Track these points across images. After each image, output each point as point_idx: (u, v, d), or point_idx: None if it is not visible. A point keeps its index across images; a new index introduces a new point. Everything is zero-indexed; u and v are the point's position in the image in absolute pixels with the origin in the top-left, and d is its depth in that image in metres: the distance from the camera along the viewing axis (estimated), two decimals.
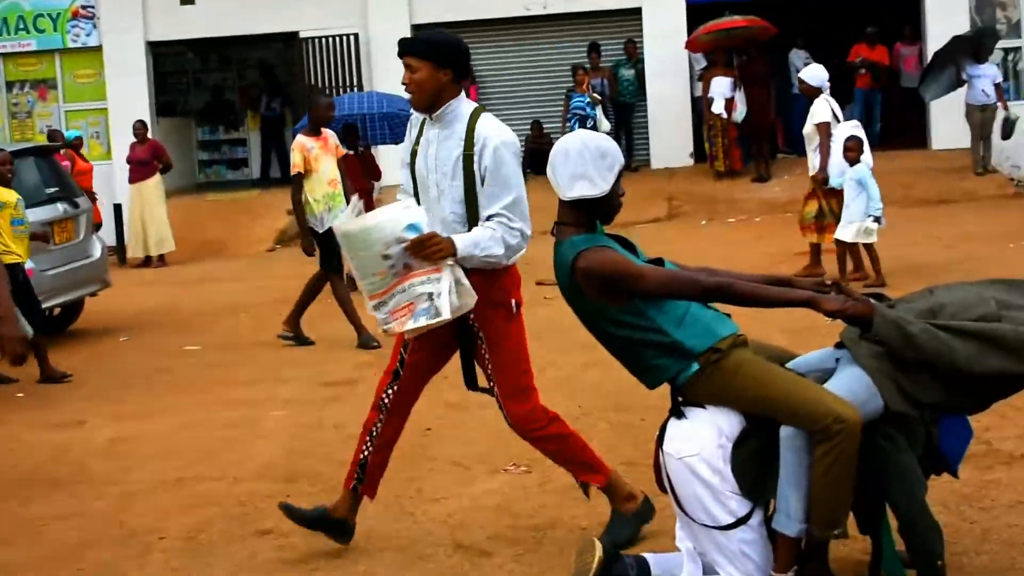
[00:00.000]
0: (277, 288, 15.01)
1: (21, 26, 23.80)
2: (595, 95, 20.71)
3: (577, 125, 20.63)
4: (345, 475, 5.98)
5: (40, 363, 10.80)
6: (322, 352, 11.32)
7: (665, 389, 5.08)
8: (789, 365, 5.03)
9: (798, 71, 22.47)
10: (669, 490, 4.96)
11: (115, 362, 11.62)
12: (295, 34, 23.24)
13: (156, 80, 24.38)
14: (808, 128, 13.22)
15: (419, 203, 5.66)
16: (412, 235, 5.33)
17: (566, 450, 5.88)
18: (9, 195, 10.87)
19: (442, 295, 5.36)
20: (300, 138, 11.81)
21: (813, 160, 13.12)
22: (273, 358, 11.16)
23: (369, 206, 13.15)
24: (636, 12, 22.72)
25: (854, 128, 13.01)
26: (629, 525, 5.87)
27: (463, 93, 5.70)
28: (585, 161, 5.01)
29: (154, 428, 8.89)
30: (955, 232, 16.11)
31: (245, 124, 26.01)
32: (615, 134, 21.67)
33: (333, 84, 22.93)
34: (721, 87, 20.77)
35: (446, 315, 5.35)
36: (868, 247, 12.80)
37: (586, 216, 5.07)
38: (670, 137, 22.56)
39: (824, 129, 12.94)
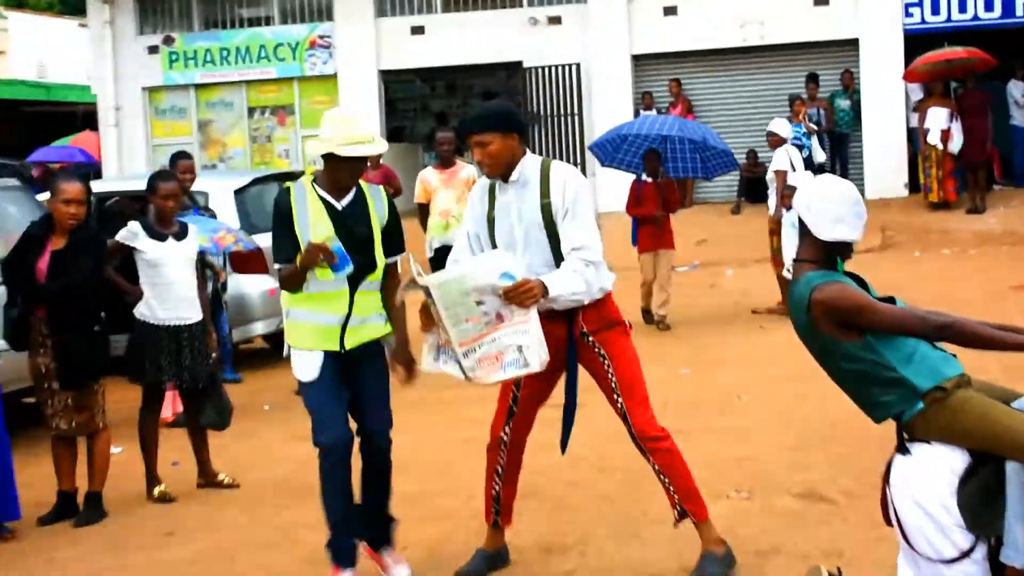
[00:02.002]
0: None
1: (262, 55, 24.75)
2: (811, 125, 20.61)
3: None
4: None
5: None
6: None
7: (888, 423, 5.15)
8: (1014, 405, 5.05)
9: (1016, 102, 22.14)
10: (895, 523, 5.03)
11: None
12: (519, 63, 23.67)
13: (386, 106, 25.08)
14: (770, 174, 14.52)
15: None
16: (506, 282, 5.53)
17: (678, 468, 6.00)
18: None
19: (531, 347, 5.53)
20: (425, 171, 12.67)
21: (773, 201, 14.32)
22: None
23: (658, 237, 13.65)
24: (853, 43, 22.52)
25: (802, 179, 14.21)
26: (719, 566, 5.97)
27: (527, 151, 5.98)
28: (845, 205, 5.11)
29: (403, 440, 9.20)
30: None
31: (469, 150, 26.46)
32: (830, 164, 21.52)
33: (553, 112, 23.30)
34: (937, 117, 20.40)
35: (535, 367, 5.55)
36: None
37: (826, 255, 5.16)
38: (885, 167, 22.28)
39: (780, 176, 14.14)
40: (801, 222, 5.14)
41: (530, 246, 5.90)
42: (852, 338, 4.99)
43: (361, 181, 6.20)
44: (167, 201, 8.37)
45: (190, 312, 8.42)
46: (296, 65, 24.66)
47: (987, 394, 5.04)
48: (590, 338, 5.98)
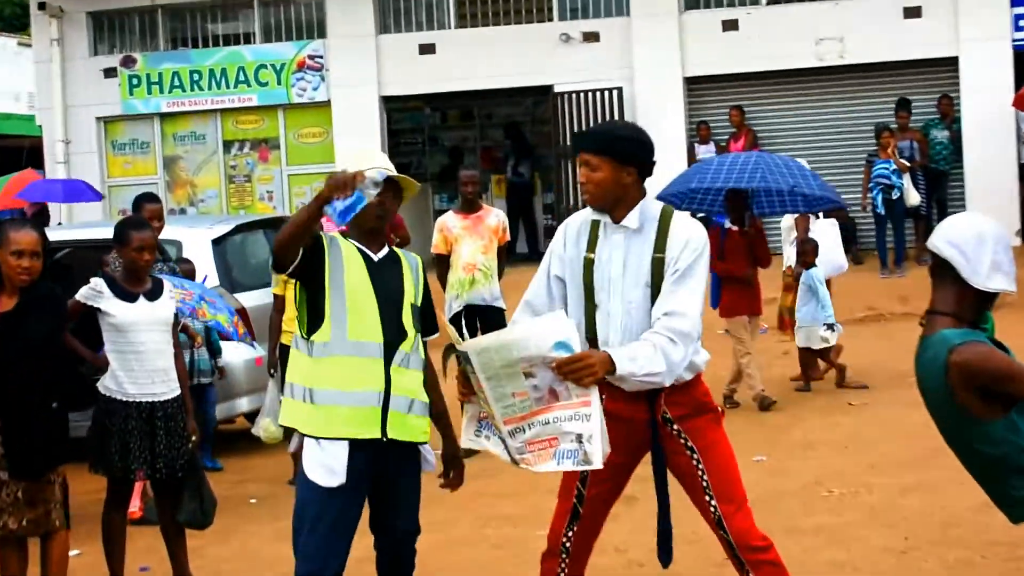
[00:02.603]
0: None
1: (241, 78, 24.89)
2: (902, 161, 20.58)
3: (881, 196, 20.56)
4: None
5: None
6: None
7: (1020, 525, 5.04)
8: None
9: None
10: None
11: None
12: (548, 88, 23.72)
13: (389, 139, 25.15)
14: (787, 221, 14.95)
15: (591, 319, 5.82)
16: (561, 354, 5.38)
17: None
18: None
19: (594, 438, 5.39)
20: (445, 216, 12.61)
21: (788, 252, 14.68)
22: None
23: (748, 298, 13.40)
24: (952, 62, 22.58)
25: (830, 227, 15.30)
26: None
27: (649, 193, 5.91)
28: (1002, 250, 5.00)
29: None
30: None
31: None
32: (925, 207, 21.46)
33: None
34: None
35: (596, 463, 5.40)
36: (821, 352, 14.37)
37: (971, 308, 5.03)
38: (991, 211, 22.05)
39: (803, 224, 14.62)
40: (939, 267, 5.03)
41: (629, 306, 5.81)
42: (994, 414, 4.88)
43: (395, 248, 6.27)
44: (142, 254, 8.32)
45: (165, 386, 8.35)
46: (281, 91, 24.77)
47: None
48: (675, 426, 5.89)
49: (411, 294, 6.18)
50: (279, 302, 11.32)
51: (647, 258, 5.79)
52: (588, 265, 5.87)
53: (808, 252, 14.33)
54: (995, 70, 22.24)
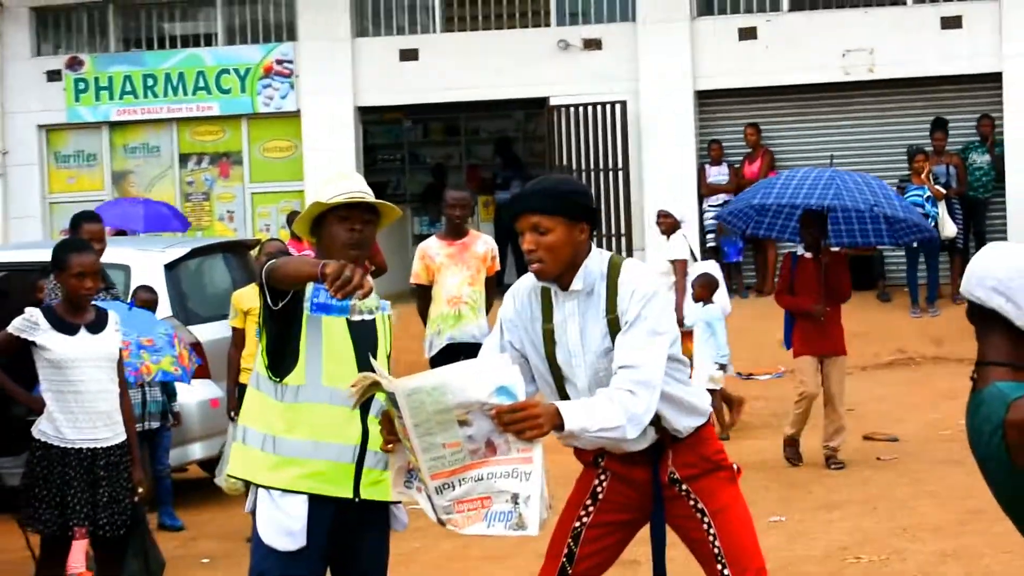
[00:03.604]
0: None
1: (201, 84, 24.84)
2: (938, 188, 20.55)
3: None
4: None
5: None
6: None
7: None
8: None
9: None
10: None
11: None
12: (544, 100, 23.69)
13: (365, 155, 25.11)
14: (664, 265, 15.12)
15: (563, 394, 5.72)
16: (503, 400, 5.17)
17: None
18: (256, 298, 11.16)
19: (531, 500, 5.18)
20: (427, 243, 12.53)
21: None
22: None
23: (823, 336, 12.99)
24: (995, 79, 22.58)
25: (710, 267, 15.70)
26: None
27: (593, 246, 5.78)
28: None
29: None
30: None
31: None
32: (962, 239, 21.41)
33: (589, 165, 23.25)
34: None
35: (532, 530, 5.17)
36: (713, 393, 14.19)
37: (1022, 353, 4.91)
38: None
39: (681, 267, 14.96)
40: (980, 313, 4.92)
41: (599, 376, 5.65)
42: None
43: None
44: (83, 281, 8.19)
45: (109, 431, 8.24)
46: (246, 99, 24.72)
47: None
48: (683, 486, 5.81)
49: (384, 342, 6.07)
50: (238, 336, 11.23)
51: (602, 322, 5.67)
52: (548, 336, 5.75)
53: (704, 286, 14.85)
54: None
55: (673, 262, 15.01)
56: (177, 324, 11.99)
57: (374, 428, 5.82)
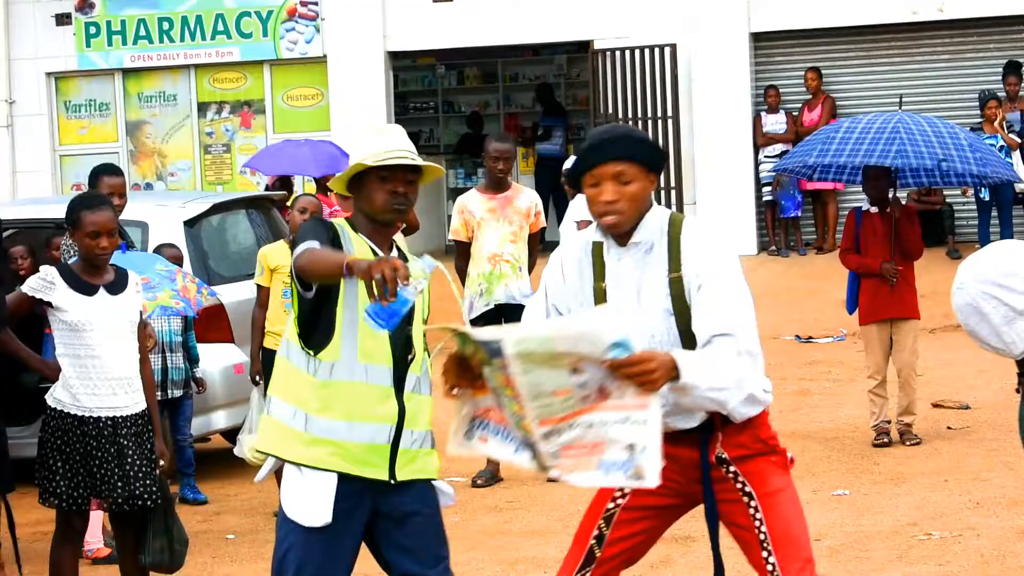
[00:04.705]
0: None
1: (220, 29, 24.79)
2: (1012, 137, 20.45)
3: None
4: None
5: None
6: None
7: None
8: None
9: None
10: None
11: None
12: (587, 44, 23.64)
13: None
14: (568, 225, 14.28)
15: None
16: (620, 354, 5.26)
17: None
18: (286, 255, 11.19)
19: (648, 450, 5.25)
20: (466, 196, 12.52)
21: None
22: (569, 499, 11.26)
23: (893, 299, 12.82)
24: None
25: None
26: None
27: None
28: (1002, 304, 4.87)
29: None
30: None
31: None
32: None
33: (638, 113, 23.20)
34: None
35: (651, 481, 5.25)
36: None
37: None
38: None
39: (586, 227, 14.12)
40: None
41: (651, 341, 5.64)
42: None
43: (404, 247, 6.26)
44: (98, 240, 8.21)
45: (128, 399, 8.26)
46: (268, 44, 24.68)
47: None
48: (731, 467, 5.80)
49: (421, 307, 6.09)
50: (263, 295, 11.26)
51: (663, 280, 5.69)
52: (600, 295, 5.76)
53: None
54: None
55: (579, 224, 14.46)
56: (200, 281, 12.03)
57: (410, 406, 5.93)
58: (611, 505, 5.86)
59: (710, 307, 5.57)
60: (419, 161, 5.98)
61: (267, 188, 20.41)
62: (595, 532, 5.90)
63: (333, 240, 5.88)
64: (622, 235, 5.72)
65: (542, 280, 5.92)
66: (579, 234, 5.88)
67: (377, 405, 5.90)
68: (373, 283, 5.37)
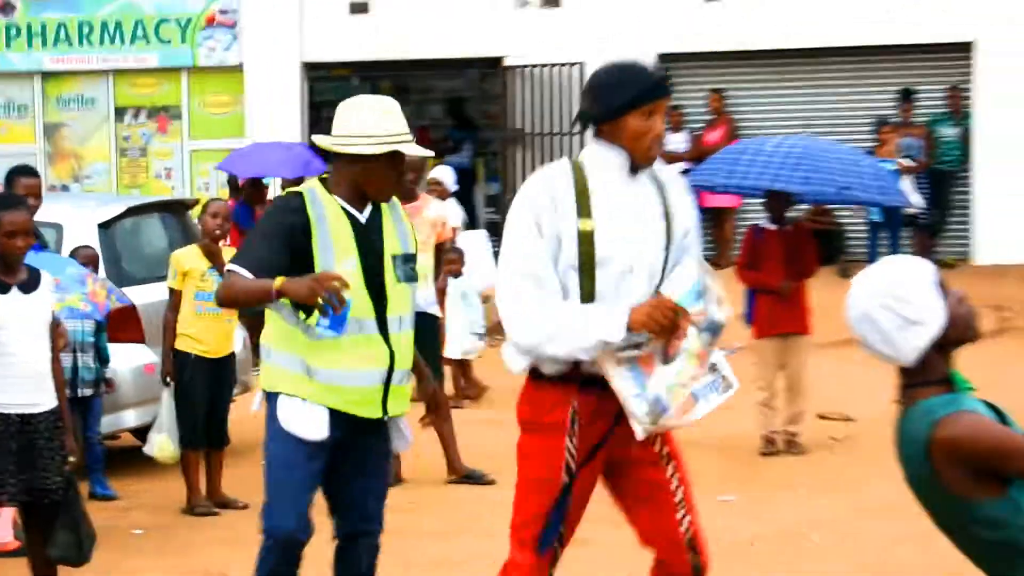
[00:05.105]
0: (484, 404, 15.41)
1: (139, 34, 24.71)
2: (904, 161, 20.69)
3: None
4: None
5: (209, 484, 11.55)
6: None
7: None
8: None
9: None
10: None
11: (257, 495, 11.84)
12: (498, 60, 23.69)
13: (310, 112, 25.06)
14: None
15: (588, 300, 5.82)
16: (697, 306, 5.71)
17: None
18: (197, 259, 11.29)
19: (722, 361, 5.75)
20: None
21: None
22: (473, 499, 11.32)
23: (787, 314, 12.97)
24: (965, 48, 22.72)
25: (478, 237, 16.66)
26: None
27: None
28: (894, 314, 4.95)
29: None
30: None
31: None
32: (929, 213, 21.56)
33: (545, 128, 23.27)
34: None
35: (736, 385, 5.77)
36: (465, 364, 15.82)
37: (937, 365, 4.99)
38: (1004, 222, 22.28)
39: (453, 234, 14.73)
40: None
41: (649, 273, 5.88)
42: (990, 493, 4.79)
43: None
44: (14, 240, 8.19)
45: (40, 396, 8.23)
46: (186, 51, 24.63)
47: None
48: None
49: (393, 245, 6.56)
50: (175, 298, 11.26)
51: (660, 213, 5.93)
52: (587, 236, 5.81)
53: (455, 260, 15.21)
54: (1016, 59, 22.32)
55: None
56: (110, 283, 12.00)
57: (398, 347, 6.46)
58: (567, 466, 5.87)
59: (695, 256, 5.95)
60: (424, 152, 7.02)
61: (238, 188, 20.35)
62: (550, 511, 5.92)
63: (295, 217, 6.35)
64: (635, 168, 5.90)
65: (529, 215, 5.85)
66: (548, 168, 6.01)
67: (370, 352, 6.37)
68: (318, 304, 5.95)
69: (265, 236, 6.40)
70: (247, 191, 19.78)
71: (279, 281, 6.07)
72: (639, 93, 5.82)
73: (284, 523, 6.53)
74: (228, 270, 6.37)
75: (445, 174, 16.31)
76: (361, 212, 6.54)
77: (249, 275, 6.22)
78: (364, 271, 6.43)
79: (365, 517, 6.69)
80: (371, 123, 6.47)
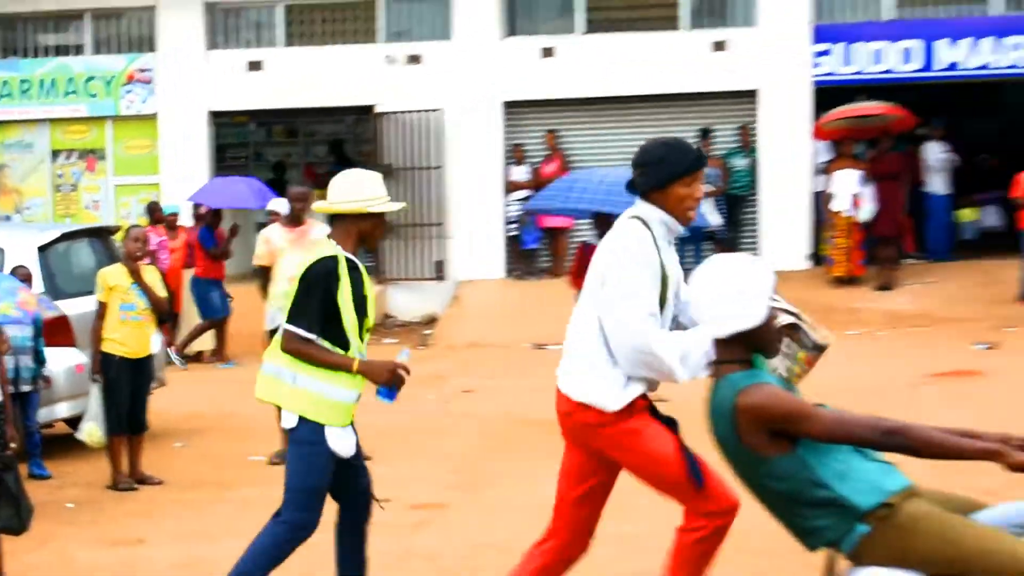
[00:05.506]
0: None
1: (71, 89, 24.34)
2: (704, 186, 20.83)
3: None
4: None
5: (130, 464, 11.41)
6: (408, 469, 11.32)
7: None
8: (977, 517, 4.95)
9: (932, 167, 22.59)
10: None
11: (171, 473, 11.74)
12: (371, 108, 23.60)
13: (216, 153, 24.83)
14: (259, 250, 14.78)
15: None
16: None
17: None
18: (121, 276, 11.16)
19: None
20: (270, 229, 12.50)
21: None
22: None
23: None
24: (751, 95, 22.94)
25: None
26: None
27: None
28: (733, 289, 5.06)
29: (223, 552, 8.95)
30: None
31: (311, 204, 26.21)
32: (726, 229, 21.78)
33: (411, 164, 23.22)
34: (847, 181, 20.73)
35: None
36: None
37: (744, 350, 5.09)
38: (784, 236, 22.58)
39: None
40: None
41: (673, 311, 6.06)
42: (781, 451, 4.88)
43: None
44: None
45: None
46: (110, 102, 24.30)
47: (943, 505, 4.93)
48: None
49: (368, 286, 6.87)
50: (102, 309, 11.14)
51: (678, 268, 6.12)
52: (665, 280, 6.00)
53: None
54: (793, 103, 22.67)
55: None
56: (42, 295, 11.89)
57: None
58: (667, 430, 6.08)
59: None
60: (395, 208, 7.02)
61: (199, 216, 20.13)
62: (681, 452, 6.02)
63: (334, 283, 6.68)
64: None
65: (644, 261, 5.99)
66: (638, 226, 6.06)
67: (357, 378, 6.75)
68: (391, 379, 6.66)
69: (313, 294, 6.70)
70: (210, 218, 19.70)
71: (357, 364, 6.65)
72: (686, 167, 5.96)
73: (315, 521, 6.75)
74: (299, 334, 6.70)
75: (281, 205, 16.07)
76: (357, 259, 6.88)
77: (316, 340, 6.67)
78: (356, 307, 6.76)
79: (364, 473, 7.04)
80: (379, 188, 6.81)
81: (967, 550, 4.68)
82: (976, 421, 6.48)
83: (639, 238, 5.98)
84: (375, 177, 6.90)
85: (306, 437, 6.68)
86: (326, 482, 6.75)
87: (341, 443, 6.72)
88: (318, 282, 6.69)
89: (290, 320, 6.71)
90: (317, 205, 7.07)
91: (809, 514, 4.90)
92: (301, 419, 6.69)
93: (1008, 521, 4.89)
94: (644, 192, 6.08)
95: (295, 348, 6.66)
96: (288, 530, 6.72)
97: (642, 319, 5.82)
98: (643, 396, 6.00)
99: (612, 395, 5.90)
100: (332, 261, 6.68)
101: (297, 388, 6.71)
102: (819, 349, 6.09)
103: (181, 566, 8.78)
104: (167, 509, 10.49)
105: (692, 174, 5.97)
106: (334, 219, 6.86)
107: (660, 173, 5.99)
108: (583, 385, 5.96)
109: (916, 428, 4.82)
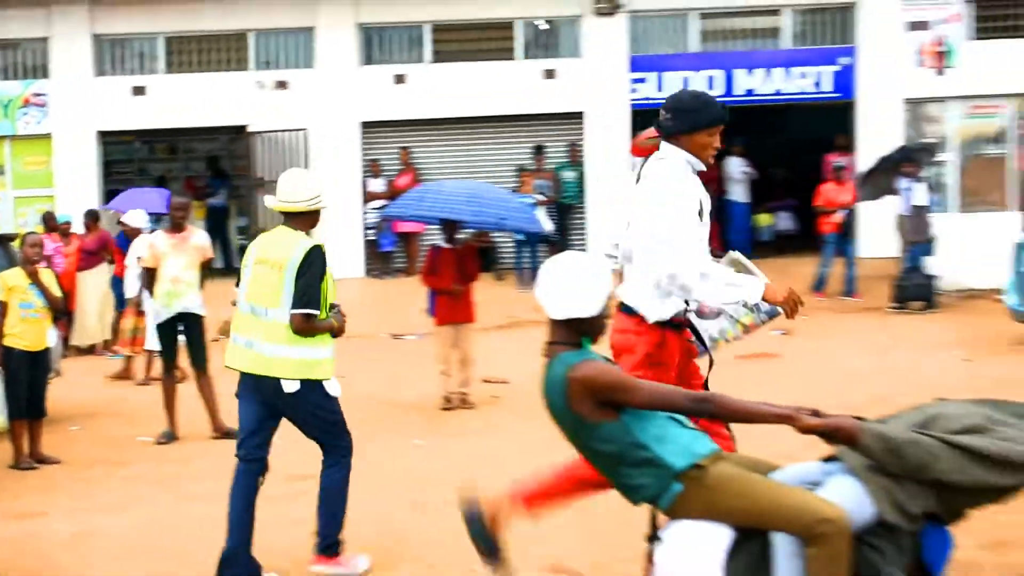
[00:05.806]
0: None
1: None
2: (539, 197, 20.90)
3: None
4: None
5: (31, 446, 11.09)
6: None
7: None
8: (774, 476, 5.05)
9: (732, 177, 22.98)
10: None
11: (67, 453, 11.41)
12: (243, 127, 23.25)
13: (104, 169, 24.26)
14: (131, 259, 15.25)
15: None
16: None
17: None
18: (20, 278, 10.84)
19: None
20: (154, 235, 12.30)
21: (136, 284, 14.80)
22: (232, 450, 11.00)
23: (457, 308, 12.88)
24: (578, 116, 22.99)
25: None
26: None
27: None
28: (577, 281, 5.10)
29: (118, 523, 8.74)
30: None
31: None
32: (558, 234, 21.83)
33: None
34: None
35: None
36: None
37: (576, 335, 5.15)
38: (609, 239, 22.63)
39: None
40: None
41: None
42: (607, 418, 4.97)
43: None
44: None
45: None
46: (8, 124, 23.58)
47: (744, 467, 5.06)
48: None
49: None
50: (3, 308, 10.81)
51: None
52: (702, 215, 6.16)
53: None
54: (614, 123, 22.79)
55: (137, 259, 13.84)
56: None
57: None
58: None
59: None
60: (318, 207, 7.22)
61: (88, 225, 19.35)
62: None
63: (325, 268, 6.99)
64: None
65: (686, 204, 6.06)
66: (681, 163, 6.16)
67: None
68: None
69: (318, 279, 6.93)
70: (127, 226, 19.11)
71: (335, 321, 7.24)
72: (712, 118, 6.06)
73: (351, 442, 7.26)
74: (309, 314, 6.93)
75: (134, 218, 15.83)
76: None
77: (318, 314, 6.98)
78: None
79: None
80: (320, 187, 7.16)
81: (765, 504, 4.82)
82: (775, 395, 6.56)
83: (683, 170, 6.12)
84: (317, 176, 7.23)
85: (313, 395, 7.01)
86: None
87: (335, 388, 7.12)
88: (321, 268, 6.88)
89: (304, 304, 6.85)
90: (271, 203, 7.17)
91: (632, 473, 4.98)
92: (304, 382, 6.94)
93: (800, 479, 5.01)
94: (671, 134, 6.14)
95: (308, 327, 6.87)
96: (346, 454, 7.24)
97: (686, 248, 5.94)
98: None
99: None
100: (323, 249, 6.95)
101: (296, 360, 6.95)
102: (770, 316, 6.26)
103: (81, 535, 8.52)
104: (65, 486, 10.17)
105: (717, 126, 6.09)
106: (290, 215, 7.05)
107: (689, 120, 6.10)
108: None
109: (721, 397, 4.97)
